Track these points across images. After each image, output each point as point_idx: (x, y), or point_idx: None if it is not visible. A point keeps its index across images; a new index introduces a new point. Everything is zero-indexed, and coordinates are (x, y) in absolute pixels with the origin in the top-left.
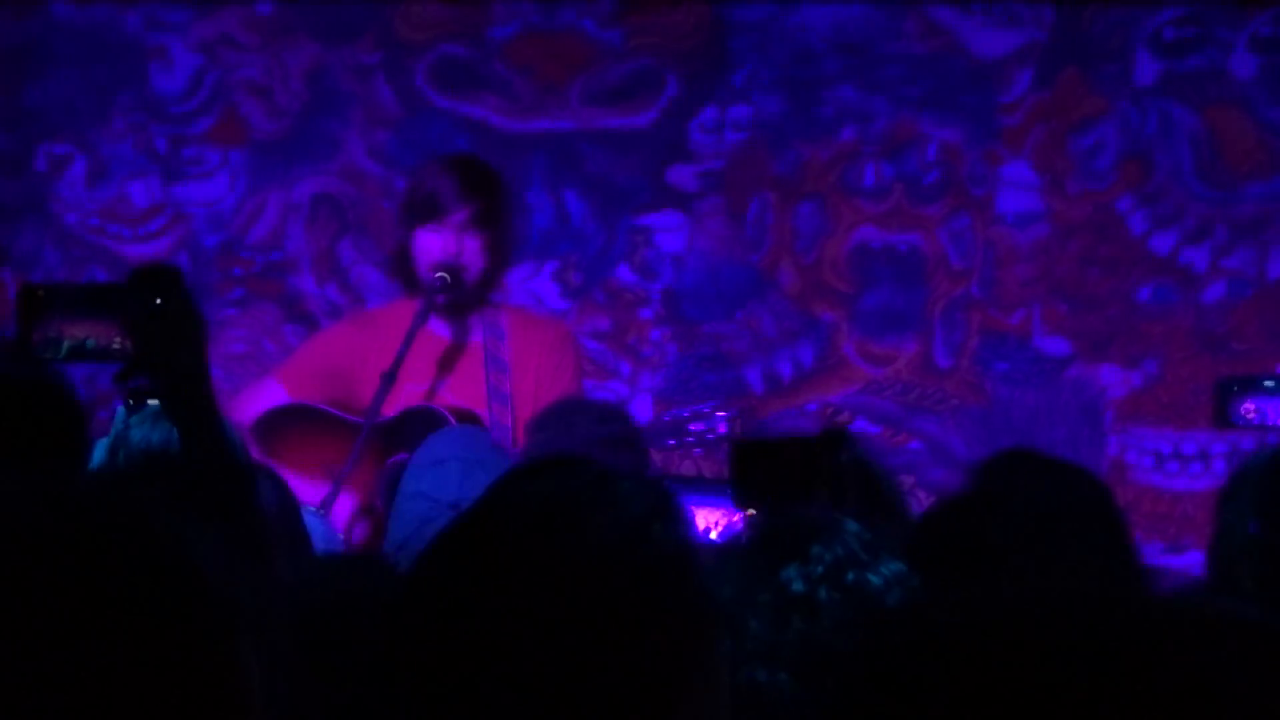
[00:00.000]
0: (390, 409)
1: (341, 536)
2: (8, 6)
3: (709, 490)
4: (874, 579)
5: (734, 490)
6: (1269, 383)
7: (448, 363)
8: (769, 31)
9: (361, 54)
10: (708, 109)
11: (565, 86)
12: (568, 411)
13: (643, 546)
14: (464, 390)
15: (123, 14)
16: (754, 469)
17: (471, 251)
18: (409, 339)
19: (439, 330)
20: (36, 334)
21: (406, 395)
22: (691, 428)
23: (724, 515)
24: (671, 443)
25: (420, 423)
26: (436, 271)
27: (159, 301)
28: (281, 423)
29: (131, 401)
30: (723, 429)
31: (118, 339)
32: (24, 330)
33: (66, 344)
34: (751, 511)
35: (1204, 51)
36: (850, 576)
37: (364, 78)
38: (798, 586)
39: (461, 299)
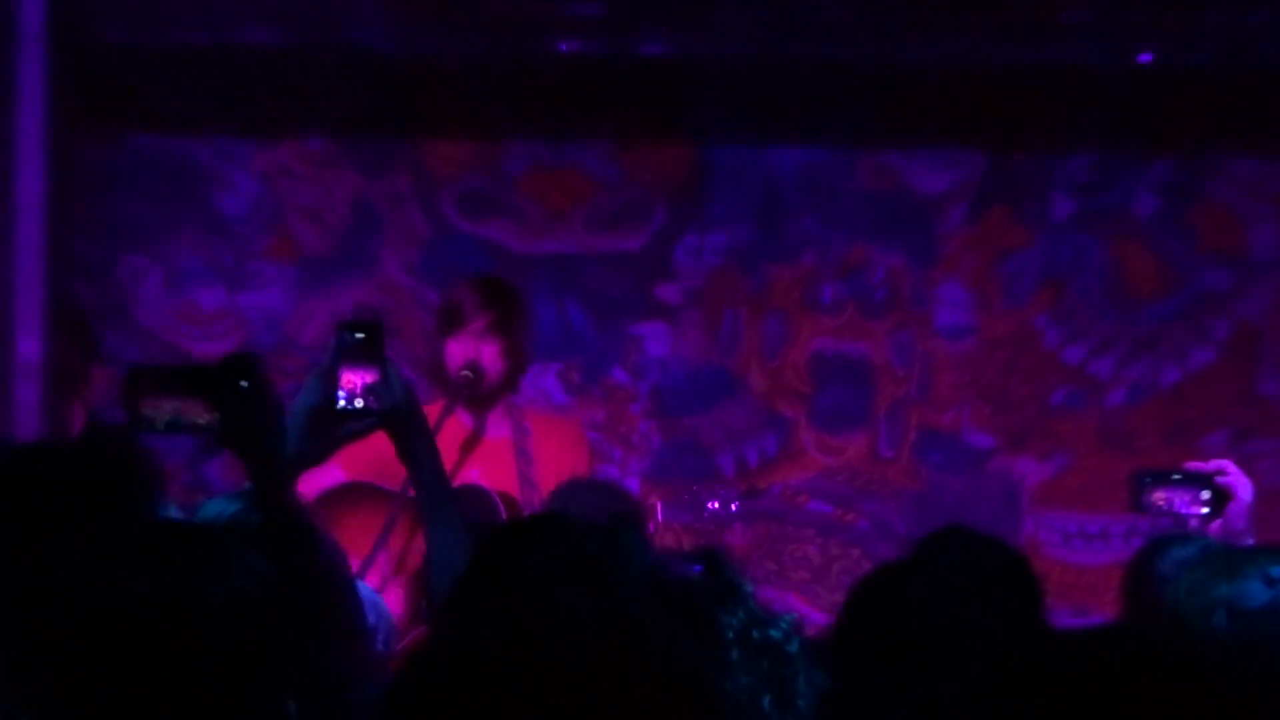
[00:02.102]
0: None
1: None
2: (94, 137)
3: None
4: (775, 634)
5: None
6: (1176, 476)
7: (468, 449)
8: (743, 170)
9: (397, 184)
10: (689, 235)
11: (569, 214)
12: (585, 490)
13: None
14: (492, 475)
15: (193, 145)
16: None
17: (490, 355)
18: (437, 427)
19: (464, 421)
20: (140, 409)
21: None
22: (708, 506)
23: None
24: (689, 519)
25: (463, 499)
26: (461, 371)
27: (243, 384)
28: (336, 498)
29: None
30: (734, 508)
31: (206, 415)
32: (129, 406)
33: (164, 419)
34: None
35: (1111, 193)
36: (756, 635)
37: (399, 205)
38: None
39: (482, 396)
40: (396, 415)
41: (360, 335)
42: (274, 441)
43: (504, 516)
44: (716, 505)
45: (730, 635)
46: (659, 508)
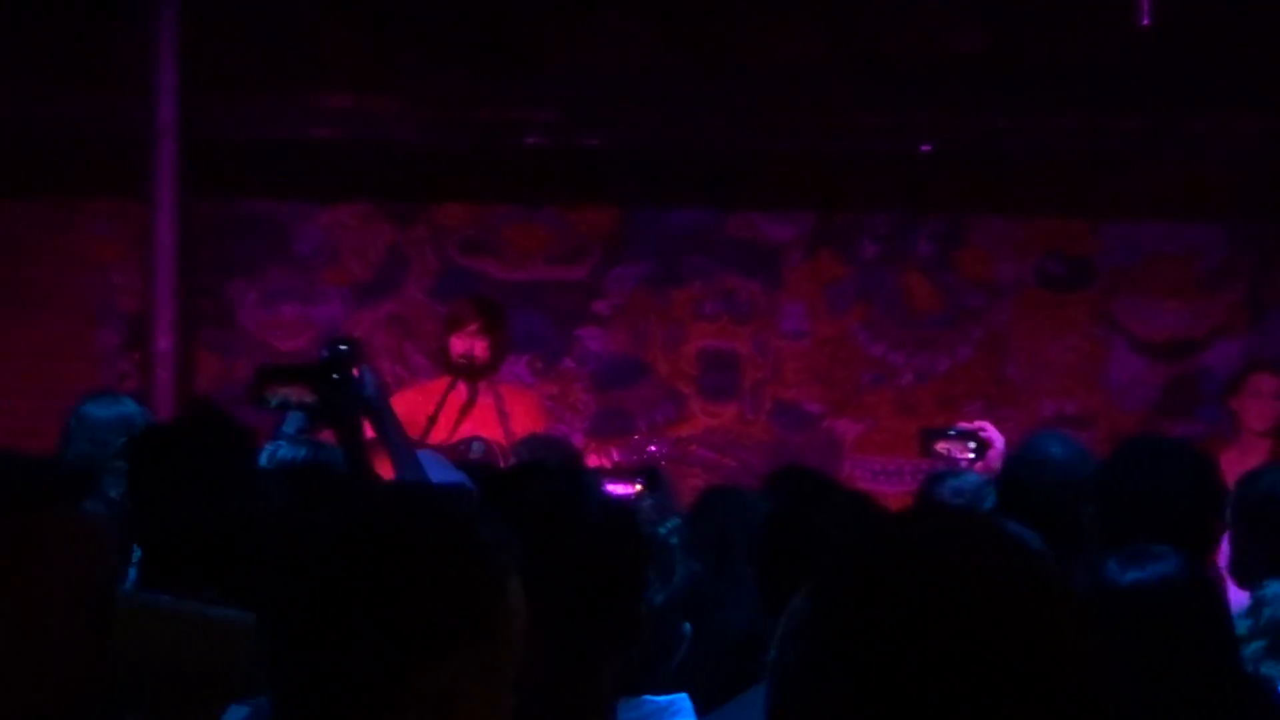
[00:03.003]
0: (434, 438)
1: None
2: (210, 201)
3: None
4: (662, 531)
5: None
6: (952, 431)
7: (465, 411)
8: (652, 225)
9: (417, 233)
10: (616, 268)
11: (535, 253)
12: (541, 441)
13: (618, 526)
14: (481, 428)
15: (277, 207)
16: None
17: (480, 348)
18: (444, 397)
19: (462, 393)
20: (263, 392)
21: (438, 431)
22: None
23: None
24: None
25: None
26: (460, 359)
27: (335, 376)
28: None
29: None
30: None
31: (309, 397)
32: (255, 390)
33: (275, 399)
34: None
35: (902, 240)
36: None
37: (418, 247)
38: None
39: (475, 375)
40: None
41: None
42: (356, 418)
43: (496, 455)
44: (654, 449)
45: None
46: (614, 452)
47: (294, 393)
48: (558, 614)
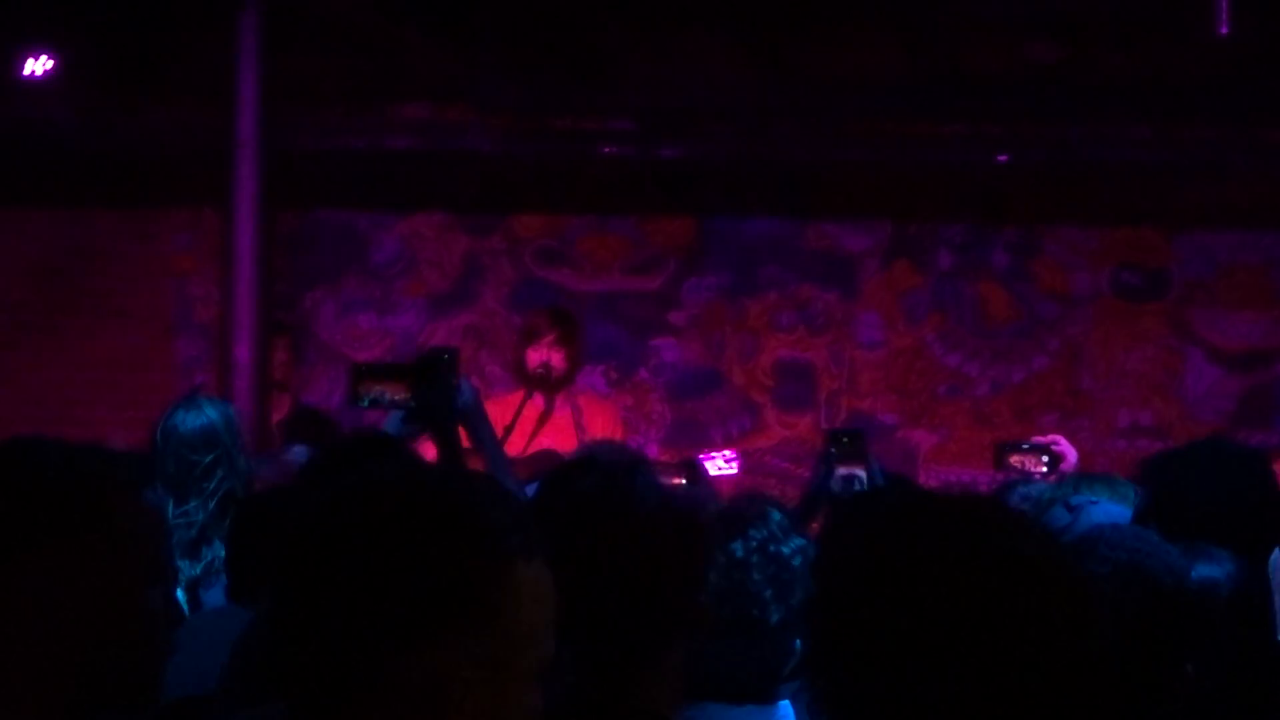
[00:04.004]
0: (510, 450)
1: None
2: (288, 211)
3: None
4: (785, 550)
5: None
6: (1025, 445)
7: (542, 423)
8: (728, 235)
9: (493, 243)
10: (692, 279)
11: (611, 264)
12: (604, 447)
13: (673, 515)
14: (557, 440)
15: (355, 216)
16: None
17: (557, 359)
18: (520, 408)
19: (538, 404)
20: (358, 390)
21: (514, 442)
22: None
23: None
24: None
25: (541, 460)
26: (536, 370)
27: (432, 375)
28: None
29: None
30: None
31: (403, 395)
32: (351, 388)
33: (369, 398)
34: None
35: (977, 250)
36: (771, 548)
37: (495, 257)
38: (740, 553)
39: (550, 387)
40: (455, 416)
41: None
42: (451, 418)
43: None
44: (731, 455)
45: (754, 544)
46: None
47: (388, 390)
48: (611, 605)
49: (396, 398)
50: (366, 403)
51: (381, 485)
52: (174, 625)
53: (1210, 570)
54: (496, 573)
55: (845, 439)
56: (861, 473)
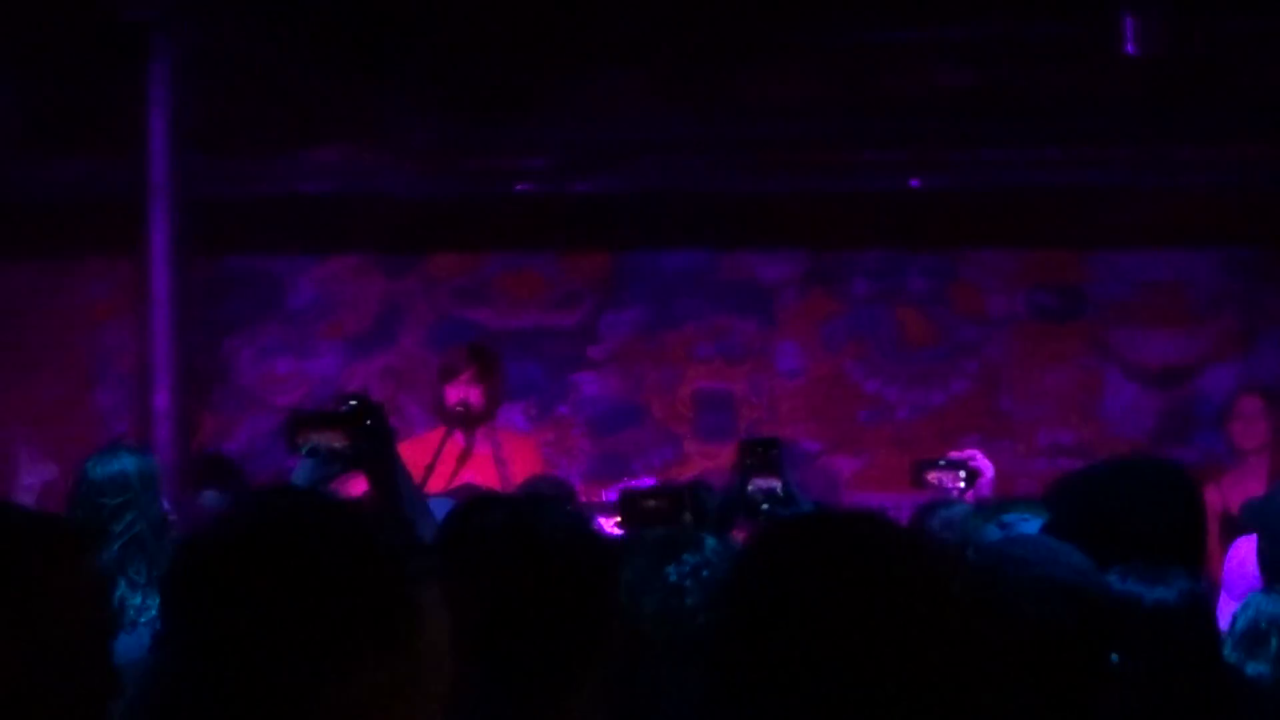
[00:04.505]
0: (432, 488)
1: None
2: (204, 258)
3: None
4: (719, 575)
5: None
6: (942, 461)
7: (463, 460)
8: (644, 269)
9: (410, 284)
10: (609, 313)
11: (528, 301)
12: (540, 481)
13: (578, 545)
14: (479, 477)
15: (271, 262)
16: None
17: (475, 396)
18: (441, 447)
19: (459, 441)
20: (295, 438)
21: (436, 480)
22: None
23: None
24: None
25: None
26: (456, 407)
27: (368, 422)
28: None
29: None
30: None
31: (340, 442)
32: (288, 436)
33: (309, 445)
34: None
35: (894, 276)
36: (705, 573)
37: (411, 298)
38: (674, 579)
39: (470, 424)
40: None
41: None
42: (388, 462)
43: None
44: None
45: (687, 569)
46: (603, 493)
47: (325, 438)
48: (523, 632)
49: (335, 445)
50: (305, 450)
51: (280, 521)
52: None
53: (1165, 593)
54: (401, 597)
55: (759, 449)
56: (777, 484)
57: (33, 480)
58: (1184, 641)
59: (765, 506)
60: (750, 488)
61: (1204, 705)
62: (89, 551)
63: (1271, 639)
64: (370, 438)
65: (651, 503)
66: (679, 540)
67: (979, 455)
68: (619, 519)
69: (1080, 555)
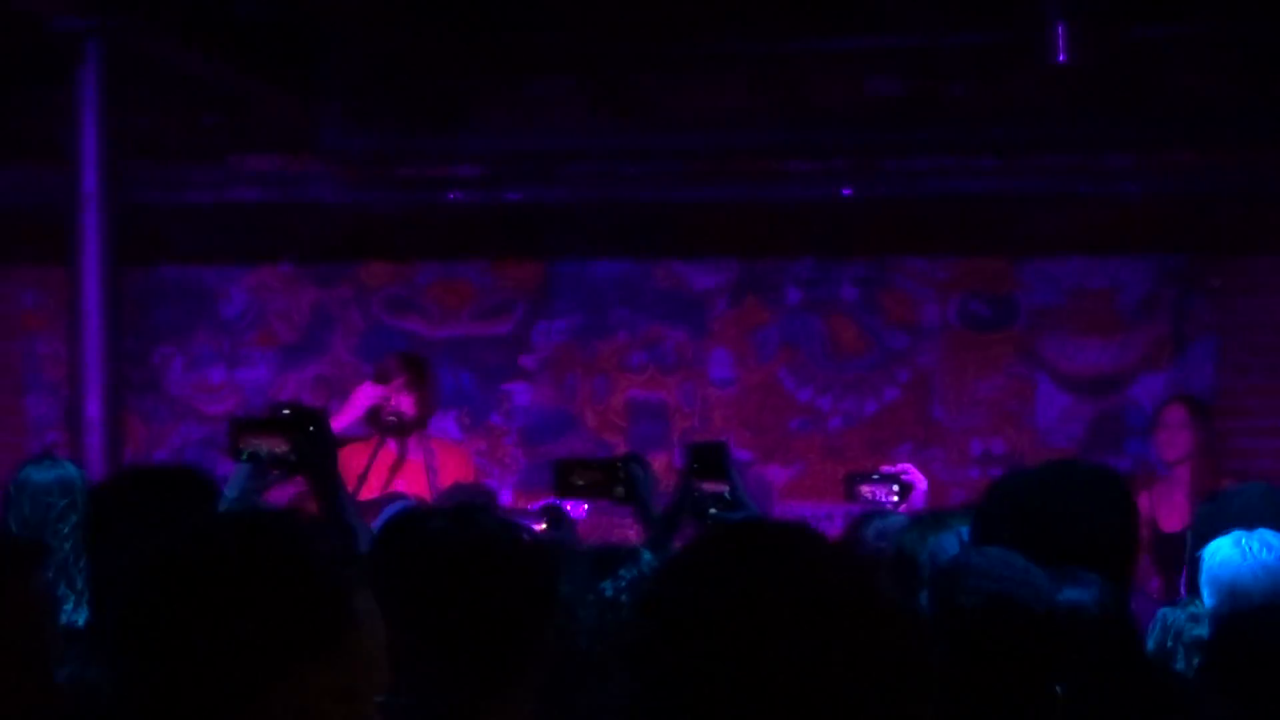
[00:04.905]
0: (365, 495)
1: None
2: (134, 267)
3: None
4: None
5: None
6: (875, 475)
7: (395, 469)
8: (576, 278)
9: (342, 293)
10: (541, 322)
11: (460, 310)
12: (463, 490)
13: (516, 553)
14: (411, 485)
15: (202, 271)
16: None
17: (408, 404)
18: (374, 454)
19: (391, 450)
20: (238, 444)
21: (369, 487)
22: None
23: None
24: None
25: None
26: (388, 415)
27: (310, 428)
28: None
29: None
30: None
31: (283, 448)
32: (231, 442)
33: (248, 451)
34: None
35: (825, 285)
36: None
37: (344, 307)
38: (609, 593)
39: (403, 432)
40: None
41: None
42: (330, 467)
43: None
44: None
45: (623, 584)
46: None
47: (266, 444)
48: (456, 639)
49: (276, 450)
50: (245, 456)
51: (216, 531)
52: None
53: (1078, 594)
54: (337, 604)
55: (706, 453)
56: (724, 488)
57: None
58: (1102, 642)
59: (713, 510)
60: (697, 492)
61: (1124, 706)
62: (37, 567)
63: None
64: (312, 443)
65: (585, 474)
66: (615, 555)
67: (912, 469)
68: (552, 488)
69: (1039, 573)
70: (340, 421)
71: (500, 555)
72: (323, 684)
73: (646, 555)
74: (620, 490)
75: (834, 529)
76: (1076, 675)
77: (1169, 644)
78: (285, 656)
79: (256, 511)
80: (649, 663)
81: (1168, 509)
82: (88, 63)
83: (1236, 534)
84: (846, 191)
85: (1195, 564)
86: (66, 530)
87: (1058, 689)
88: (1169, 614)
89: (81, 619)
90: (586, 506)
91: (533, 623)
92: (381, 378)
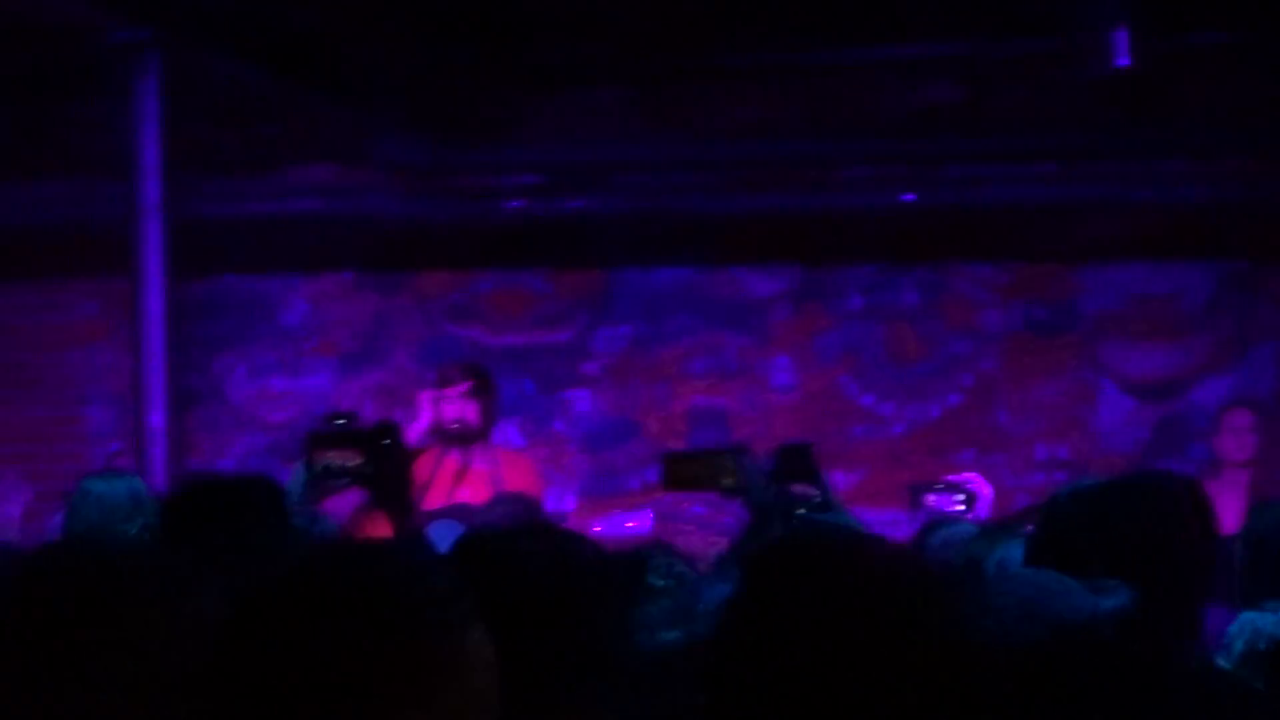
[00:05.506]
0: (429, 504)
1: None
2: (197, 277)
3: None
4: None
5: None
6: (940, 485)
7: (459, 478)
8: (637, 285)
9: (403, 301)
10: (603, 329)
11: (521, 317)
12: (508, 500)
13: (603, 568)
14: (475, 495)
15: (264, 280)
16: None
17: (471, 411)
18: (438, 464)
19: (455, 459)
20: (314, 457)
21: (433, 497)
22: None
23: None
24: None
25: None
26: (451, 425)
27: (385, 443)
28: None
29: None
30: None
31: (357, 461)
32: (306, 455)
33: (323, 464)
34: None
35: (887, 291)
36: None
37: (405, 315)
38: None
39: (466, 441)
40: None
41: (340, 423)
42: (404, 480)
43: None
44: (633, 524)
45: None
46: (594, 526)
47: (341, 457)
48: (517, 649)
49: (350, 464)
50: (320, 469)
51: (321, 568)
52: None
53: (1111, 604)
54: (451, 642)
55: (796, 455)
56: (814, 490)
57: (13, 510)
58: (1135, 654)
59: (802, 511)
60: (786, 494)
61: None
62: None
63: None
64: (387, 456)
65: (693, 466)
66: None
67: (977, 478)
68: (660, 481)
69: (1075, 584)
70: (410, 433)
71: (588, 571)
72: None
73: (678, 567)
74: (728, 482)
75: (898, 535)
76: (1106, 687)
77: (1260, 646)
78: (396, 702)
79: (359, 544)
80: (724, 678)
81: (1223, 513)
82: (147, 75)
83: None
84: (908, 197)
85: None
86: (133, 532)
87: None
88: (1256, 619)
89: None
90: (652, 519)
91: (614, 632)
92: (443, 386)
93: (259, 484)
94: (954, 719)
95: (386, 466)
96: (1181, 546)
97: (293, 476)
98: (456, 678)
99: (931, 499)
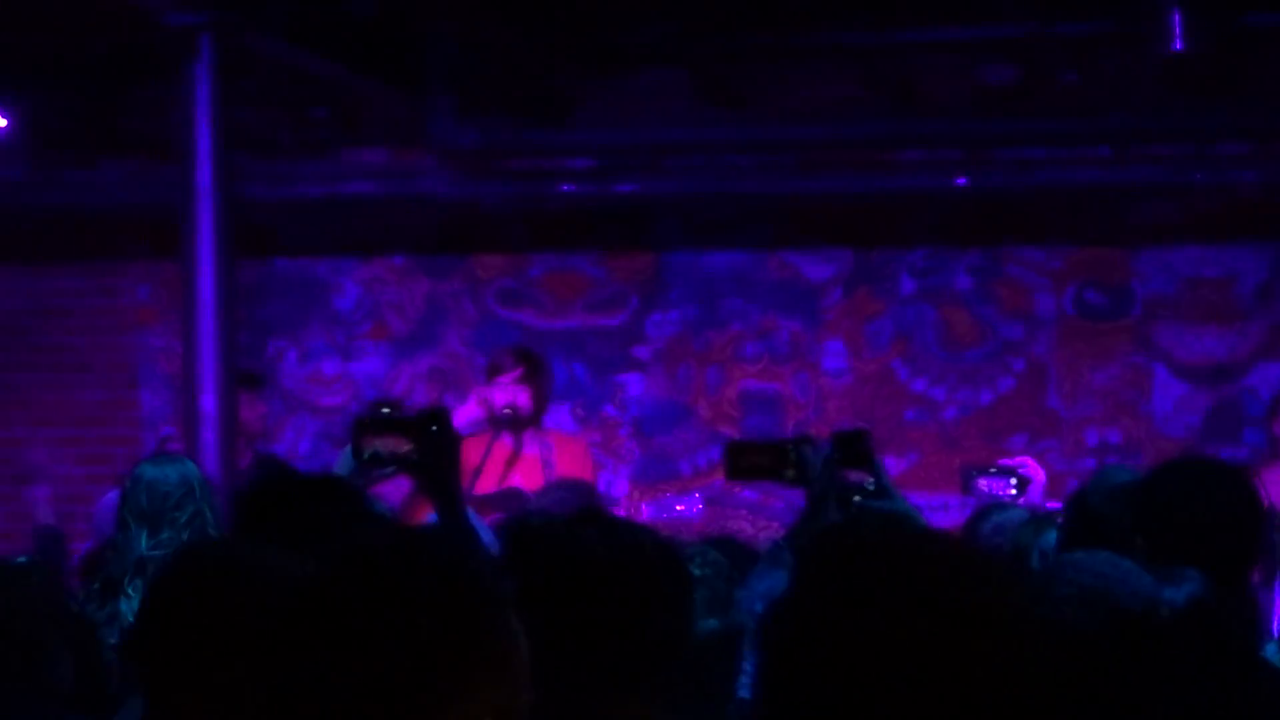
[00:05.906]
0: (480, 490)
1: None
2: (249, 260)
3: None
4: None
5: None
6: (992, 469)
7: (511, 463)
8: (689, 268)
9: (455, 285)
10: (655, 313)
11: (573, 302)
12: (563, 487)
13: (657, 554)
14: (528, 480)
15: (316, 264)
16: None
17: (523, 397)
18: (489, 449)
19: (507, 444)
20: (361, 444)
21: (484, 482)
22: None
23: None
24: (664, 516)
25: (509, 498)
26: (503, 410)
27: (434, 429)
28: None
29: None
30: (698, 509)
31: (405, 448)
32: (354, 441)
33: (370, 451)
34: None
35: (940, 274)
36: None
37: (456, 299)
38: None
39: (518, 426)
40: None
41: (385, 411)
42: (453, 468)
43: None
44: (682, 507)
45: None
46: (643, 508)
47: (389, 444)
48: (587, 647)
49: (399, 451)
50: (368, 456)
51: (376, 552)
52: None
53: (1178, 593)
54: (499, 620)
55: (851, 441)
56: (869, 477)
57: (44, 491)
58: (1204, 642)
59: (857, 499)
60: (841, 480)
61: (1227, 706)
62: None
63: None
64: (435, 443)
65: (755, 456)
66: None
67: (1030, 462)
68: (724, 470)
69: (1140, 572)
70: (459, 419)
71: (644, 558)
72: (487, 703)
73: (711, 554)
74: (791, 473)
75: (949, 520)
76: (1175, 675)
77: None
78: (454, 680)
79: (411, 529)
80: (780, 667)
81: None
82: (200, 58)
83: None
84: (961, 181)
85: None
86: (184, 520)
87: (1161, 688)
88: None
89: None
90: (700, 505)
91: (671, 621)
92: (495, 372)
93: (336, 487)
94: (1013, 709)
95: (434, 453)
96: (1232, 533)
97: (340, 463)
98: (510, 659)
99: (984, 483)
